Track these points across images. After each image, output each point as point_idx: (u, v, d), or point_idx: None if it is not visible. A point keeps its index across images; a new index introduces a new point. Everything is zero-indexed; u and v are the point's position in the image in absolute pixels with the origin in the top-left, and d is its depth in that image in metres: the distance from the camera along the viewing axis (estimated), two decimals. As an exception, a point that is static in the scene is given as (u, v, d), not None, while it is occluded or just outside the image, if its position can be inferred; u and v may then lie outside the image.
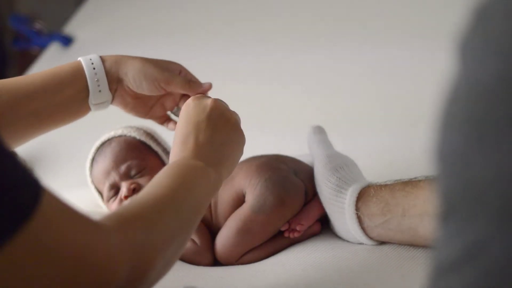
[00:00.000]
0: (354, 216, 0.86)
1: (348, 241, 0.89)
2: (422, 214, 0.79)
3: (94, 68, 0.87)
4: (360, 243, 0.88)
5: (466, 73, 0.38)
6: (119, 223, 0.58)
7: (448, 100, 0.39)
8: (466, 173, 0.37)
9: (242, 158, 1.01)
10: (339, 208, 0.88)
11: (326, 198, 0.90)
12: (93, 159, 1.05)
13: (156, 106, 0.95)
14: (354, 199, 0.86)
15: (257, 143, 1.36)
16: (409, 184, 0.83)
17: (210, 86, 0.93)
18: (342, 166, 0.91)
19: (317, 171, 0.93)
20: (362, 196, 0.86)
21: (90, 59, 0.88)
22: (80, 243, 0.52)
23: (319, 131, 0.98)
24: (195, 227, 0.70)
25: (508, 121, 0.35)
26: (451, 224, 0.38)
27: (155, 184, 0.67)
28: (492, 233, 0.35)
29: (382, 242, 0.87)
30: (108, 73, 0.88)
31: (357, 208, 0.86)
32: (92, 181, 1.05)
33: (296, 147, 1.08)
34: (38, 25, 2.17)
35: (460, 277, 0.37)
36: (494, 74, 0.36)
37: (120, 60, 0.89)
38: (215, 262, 0.92)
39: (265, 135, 1.37)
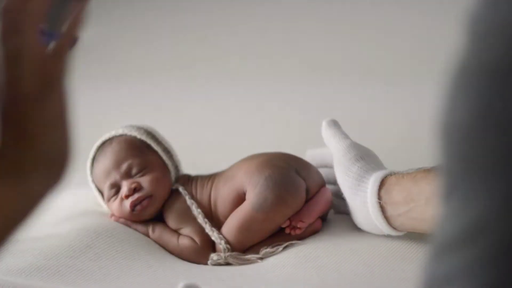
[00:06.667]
0: (376, 205, 0.84)
1: (350, 240, 0.89)
2: None
3: None
4: (382, 235, 0.86)
5: (475, 51, 0.37)
6: None
7: (456, 74, 0.38)
8: (469, 150, 0.36)
9: (243, 156, 1.01)
10: (361, 197, 0.87)
11: (348, 188, 0.89)
12: (93, 159, 1.04)
13: None
14: (376, 188, 0.85)
15: (257, 142, 1.36)
16: (431, 171, 0.81)
17: None
18: (363, 156, 0.90)
19: (337, 162, 0.91)
20: (384, 184, 0.84)
21: None
22: None
23: (333, 123, 0.96)
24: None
25: None
26: (452, 202, 0.37)
27: None
28: (494, 211, 0.35)
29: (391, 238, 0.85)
30: None
31: (379, 197, 0.84)
32: (93, 181, 1.04)
33: (297, 146, 1.08)
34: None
35: (462, 255, 0.36)
36: (502, 55, 0.36)
37: None
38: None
39: (265, 134, 1.37)
